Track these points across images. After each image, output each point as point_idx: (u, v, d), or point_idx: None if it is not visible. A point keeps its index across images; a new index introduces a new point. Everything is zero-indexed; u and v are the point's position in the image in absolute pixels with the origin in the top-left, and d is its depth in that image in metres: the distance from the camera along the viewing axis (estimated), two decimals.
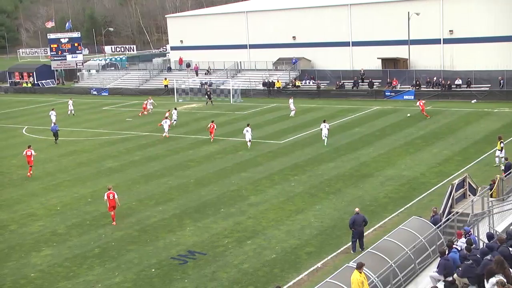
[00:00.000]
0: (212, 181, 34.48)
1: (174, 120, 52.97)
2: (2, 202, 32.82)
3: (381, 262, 18.00)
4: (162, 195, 32.46)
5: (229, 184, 33.75)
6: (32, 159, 38.40)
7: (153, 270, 22.77)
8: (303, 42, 77.44)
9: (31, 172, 38.28)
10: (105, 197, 28.12)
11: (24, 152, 38.70)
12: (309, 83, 72.32)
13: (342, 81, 69.10)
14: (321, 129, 42.49)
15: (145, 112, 60.66)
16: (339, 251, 23.45)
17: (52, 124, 50.09)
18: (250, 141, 42.70)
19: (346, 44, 73.90)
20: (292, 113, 55.07)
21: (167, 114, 51.76)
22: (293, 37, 78.35)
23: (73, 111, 64.08)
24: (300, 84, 71.84)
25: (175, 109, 55.29)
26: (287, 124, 51.44)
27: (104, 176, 37.06)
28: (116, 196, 28.03)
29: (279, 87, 71.40)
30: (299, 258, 23.03)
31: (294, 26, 78.04)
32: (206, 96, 67.34)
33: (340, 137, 44.31)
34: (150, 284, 21.68)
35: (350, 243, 23.44)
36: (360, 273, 16.45)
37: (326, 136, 42.12)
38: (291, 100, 56.74)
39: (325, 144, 41.76)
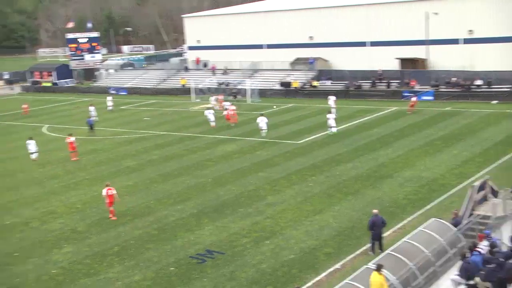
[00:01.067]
0: (230, 181, 34.52)
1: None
2: (24, 199, 33.16)
3: (401, 264, 17.89)
4: (180, 194, 32.56)
5: (246, 183, 33.77)
6: (74, 145, 41.96)
7: (172, 268, 22.85)
8: (320, 42, 77.23)
9: (75, 157, 41.91)
10: (104, 193, 28.74)
11: (66, 140, 42.74)
12: (326, 83, 72.04)
13: (359, 81, 68.78)
14: (258, 123, 46.85)
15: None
16: (358, 252, 23.35)
17: (89, 117, 53.60)
18: (264, 129, 46.57)
19: (363, 44, 73.59)
20: (332, 112, 50.76)
21: (211, 105, 53.47)
22: (310, 37, 78.18)
23: (111, 107, 66.78)
24: (317, 84, 71.65)
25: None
26: (304, 124, 51.33)
27: (123, 175, 37.28)
28: (114, 192, 28.71)
29: (296, 87, 71.28)
30: (317, 258, 22.98)
31: (312, 26, 77.88)
32: (233, 97, 67.51)
33: (358, 138, 44.14)
34: (169, 282, 21.77)
35: (369, 244, 23.33)
36: (380, 274, 16.38)
37: (264, 129, 46.70)
38: (333, 98, 56.05)
39: (335, 131, 45.34)
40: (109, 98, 69.18)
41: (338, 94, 66.91)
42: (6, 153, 45.93)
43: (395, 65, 69.20)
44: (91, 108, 59.76)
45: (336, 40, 75.79)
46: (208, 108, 54.46)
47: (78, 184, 35.83)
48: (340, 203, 29.37)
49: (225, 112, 53.79)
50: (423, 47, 66.78)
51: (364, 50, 73.71)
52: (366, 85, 68.16)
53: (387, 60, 69.38)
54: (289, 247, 24.13)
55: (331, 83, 71.74)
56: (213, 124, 52.20)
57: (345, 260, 22.71)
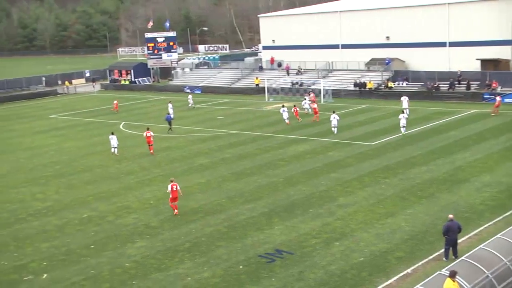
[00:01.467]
0: (301, 181, 34.41)
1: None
2: (101, 194, 34.23)
3: (477, 272, 17.26)
4: (251, 193, 32.73)
5: (318, 184, 33.57)
6: (151, 139, 43.72)
7: (241, 267, 22.98)
8: (397, 43, 75.84)
9: (152, 150, 43.76)
10: (169, 189, 29.35)
11: (144, 134, 44.71)
12: (402, 84, 70.71)
13: (437, 83, 67.03)
14: (331, 121, 47.34)
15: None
16: (430, 257, 22.74)
17: (167, 114, 54.87)
18: (287, 119, 51.69)
19: (442, 44, 71.70)
20: (405, 112, 50.31)
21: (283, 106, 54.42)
22: (386, 37, 76.89)
23: (193, 105, 68.40)
24: (392, 86, 70.37)
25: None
26: (378, 125, 50.54)
27: (196, 173, 37.84)
28: (178, 188, 29.30)
29: (371, 88, 70.28)
30: (388, 262, 22.55)
31: (388, 26, 76.60)
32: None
33: (434, 140, 43.07)
34: (238, 280, 21.90)
35: (443, 250, 22.67)
36: (453, 281, 15.89)
37: (336, 126, 47.17)
38: (406, 98, 55.75)
39: (335, 133, 46.64)
40: (190, 96, 70.46)
41: (414, 95, 65.62)
42: (85, 149, 47.55)
43: (476, 66, 67.03)
44: (170, 105, 61.06)
45: (413, 40, 74.23)
46: (283, 106, 54.76)
47: (152, 181, 36.65)
48: (413, 206, 28.73)
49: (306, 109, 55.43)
50: (507, 47, 64.26)
51: (442, 51, 71.82)
52: (444, 86, 66.35)
53: (467, 61, 67.32)
54: (359, 250, 23.80)
55: (407, 84, 70.32)
56: (287, 121, 52.78)
57: (417, 265, 22.17)
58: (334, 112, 48.40)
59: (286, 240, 25.32)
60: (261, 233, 26.40)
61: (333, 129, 47.59)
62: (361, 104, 64.00)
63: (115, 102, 70.11)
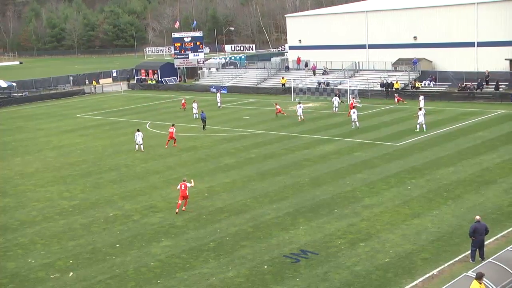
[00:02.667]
0: (327, 181, 34.35)
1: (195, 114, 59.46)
2: (127, 193, 34.55)
3: (504, 274, 17.08)
4: (276, 193, 32.77)
5: (343, 185, 33.48)
6: (173, 135, 46.12)
7: (266, 266, 23.02)
8: (424, 43, 75.24)
9: (175, 144, 46.40)
10: (178, 187, 29.93)
11: (169, 129, 46.72)
12: (429, 84, 70.12)
13: (465, 83, 66.31)
14: (333, 102, 52.02)
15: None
16: (456, 259, 22.53)
17: (201, 112, 55.38)
18: (301, 116, 54.24)
19: (470, 44, 70.93)
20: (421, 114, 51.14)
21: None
22: (414, 37, 76.34)
23: (220, 104, 68.89)
24: (419, 86, 69.79)
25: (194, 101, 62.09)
26: (404, 126, 50.18)
27: (221, 172, 37.99)
28: (190, 184, 29.89)
29: (398, 88, 69.78)
30: (413, 263, 22.40)
31: (416, 26, 76.03)
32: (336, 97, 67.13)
33: (461, 141, 42.64)
34: (263, 280, 21.95)
35: (469, 251, 22.45)
36: (480, 283, 15.74)
37: (355, 120, 49.71)
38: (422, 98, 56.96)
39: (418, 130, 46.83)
40: (218, 95, 70.73)
41: (441, 96, 65.07)
42: (112, 148, 48.03)
43: (504, 67, 66.16)
44: (194, 105, 61.27)
45: (441, 40, 73.63)
46: (300, 103, 57.04)
47: (178, 180, 36.61)
48: (439, 207, 28.49)
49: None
50: None
51: (470, 51, 71.09)
52: (471, 87, 65.59)
53: (495, 61, 66.56)
54: (384, 251, 23.69)
55: (434, 84, 69.71)
56: (299, 118, 55.13)
57: (443, 266, 21.99)
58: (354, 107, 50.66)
59: (311, 241, 25.30)
60: (286, 233, 26.42)
61: (353, 124, 49.83)
62: (388, 104, 63.61)
63: (183, 101, 69.71)
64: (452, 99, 63.91)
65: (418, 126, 47.11)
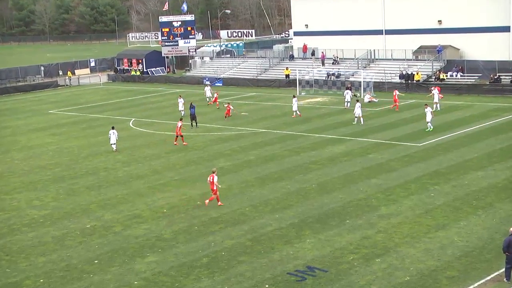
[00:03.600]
0: (337, 187, 34.36)
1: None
2: (107, 201, 34.56)
3: None
4: (279, 201, 32.77)
5: (356, 191, 33.49)
6: (179, 131, 46.80)
7: (267, 286, 23.03)
8: (450, 27, 75.23)
9: (184, 143, 47.10)
10: (209, 179, 32.12)
11: (177, 124, 47.34)
12: (456, 75, 70.17)
13: (497, 74, 66.33)
14: (344, 96, 53.02)
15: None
16: (488, 278, 22.54)
17: (189, 108, 54.85)
18: (297, 112, 55.29)
19: (504, 29, 70.89)
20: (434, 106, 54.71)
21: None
22: (438, 21, 76.35)
23: (209, 98, 68.30)
24: (445, 77, 69.84)
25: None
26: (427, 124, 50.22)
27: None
28: (215, 180, 31.81)
29: (419, 80, 69.82)
30: (438, 282, 22.42)
31: (440, 8, 76.02)
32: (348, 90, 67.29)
33: (492, 142, 42.68)
34: None
35: (503, 269, 22.46)
36: None
37: (359, 115, 50.90)
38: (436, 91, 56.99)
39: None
40: (207, 88, 70.65)
41: (469, 89, 65.07)
42: (89, 149, 48.04)
43: None
44: (180, 101, 61.29)
45: (469, 24, 73.56)
46: (294, 96, 57.89)
47: (165, 186, 36.89)
48: (467, 218, 28.51)
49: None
50: None
51: (504, 37, 71.06)
52: (506, 78, 65.62)
53: None
54: (404, 268, 23.69)
55: (461, 75, 69.74)
56: (294, 114, 56.13)
57: (473, 286, 22.00)
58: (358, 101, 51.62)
59: (319, 256, 25.29)
60: (290, 247, 26.41)
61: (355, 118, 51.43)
62: (408, 99, 63.63)
63: (216, 94, 69.22)
64: (482, 92, 63.96)
65: (429, 125, 47.27)
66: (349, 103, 59.58)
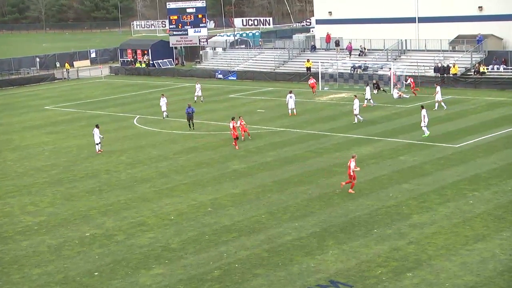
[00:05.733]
0: (364, 193, 34.29)
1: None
2: (109, 206, 34.68)
3: None
4: (299, 207, 32.75)
5: (385, 197, 33.41)
6: (245, 127, 47.61)
7: None
8: (492, 15, 74.80)
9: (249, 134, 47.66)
10: (351, 165, 34.31)
11: (231, 125, 46.10)
12: (498, 68, 69.78)
13: None
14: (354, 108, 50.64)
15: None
16: None
17: (187, 107, 53.61)
18: (293, 109, 55.68)
19: None
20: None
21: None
22: (479, 7, 75.97)
23: (202, 98, 67.24)
24: (485, 71, 69.47)
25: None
26: (465, 122, 50.05)
27: (228, 181, 38.04)
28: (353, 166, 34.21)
29: (456, 74, 69.52)
30: None
31: None
32: (374, 86, 67.20)
33: None
34: None
35: None
36: None
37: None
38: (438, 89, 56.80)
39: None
40: (198, 85, 68.41)
41: (503, 83, 64.76)
42: (89, 149, 48.19)
43: None
44: (162, 101, 59.36)
45: None
46: (291, 92, 58.39)
47: (173, 190, 36.96)
48: (511, 228, 28.34)
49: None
50: None
51: None
52: None
53: None
54: (439, 283, 23.59)
55: (505, 68, 69.35)
56: (290, 112, 56.98)
57: None
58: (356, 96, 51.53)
59: (343, 269, 25.24)
60: (311, 259, 26.38)
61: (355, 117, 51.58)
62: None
63: (312, 81, 69.09)
64: None
65: (425, 129, 46.15)
66: (368, 101, 58.94)
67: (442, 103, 55.39)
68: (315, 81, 68.72)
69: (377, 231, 28.93)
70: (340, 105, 60.55)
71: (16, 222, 33.01)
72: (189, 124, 53.02)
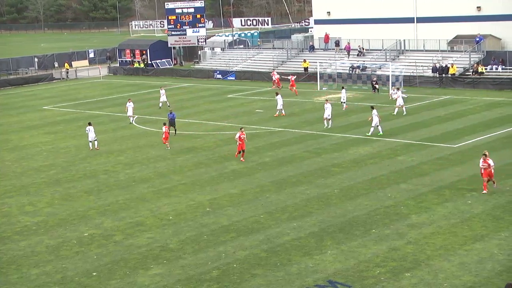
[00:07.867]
0: (362, 193, 34.32)
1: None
2: (107, 207, 34.68)
3: None
4: (297, 207, 32.76)
5: (383, 197, 33.43)
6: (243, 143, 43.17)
7: None
8: (491, 15, 74.80)
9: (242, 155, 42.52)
10: (237, 136, 35.71)
11: (237, 136, 42.45)
12: (497, 68, 69.80)
13: None
14: (372, 118, 47.33)
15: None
16: None
17: (169, 112, 52.18)
18: (329, 119, 50.75)
19: None
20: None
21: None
22: (477, 7, 75.96)
23: (167, 103, 64.55)
24: (484, 71, 69.48)
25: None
26: (464, 122, 50.07)
27: (227, 181, 38.05)
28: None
29: (454, 74, 69.52)
30: None
31: None
32: (372, 86, 67.08)
33: None
34: None
35: None
36: None
37: (328, 117, 50.44)
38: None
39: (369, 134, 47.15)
40: (163, 91, 66.08)
41: (501, 84, 64.73)
42: (87, 149, 48.15)
43: None
44: (129, 104, 58.24)
45: None
46: (277, 94, 58.84)
47: (171, 190, 36.96)
48: (509, 228, 28.41)
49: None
50: None
51: None
52: None
53: None
54: (437, 283, 23.62)
55: (503, 69, 69.37)
56: (277, 113, 57.41)
57: None
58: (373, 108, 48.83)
59: (342, 269, 25.26)
60: (309, 259, 26.40)
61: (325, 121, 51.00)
62: (442, 94, 63.47)
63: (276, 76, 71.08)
64: None
65: (371, 129, 47.03)
66: (342, 104, 58.88)
67: (404, 108, 54.72)
68: (279, 76, 71.40)
69: (376, 231, 28.95)
70: (338, 105, 60.47)
71: (14, 222, 32.99)
72: (174, 130, 50.36)
